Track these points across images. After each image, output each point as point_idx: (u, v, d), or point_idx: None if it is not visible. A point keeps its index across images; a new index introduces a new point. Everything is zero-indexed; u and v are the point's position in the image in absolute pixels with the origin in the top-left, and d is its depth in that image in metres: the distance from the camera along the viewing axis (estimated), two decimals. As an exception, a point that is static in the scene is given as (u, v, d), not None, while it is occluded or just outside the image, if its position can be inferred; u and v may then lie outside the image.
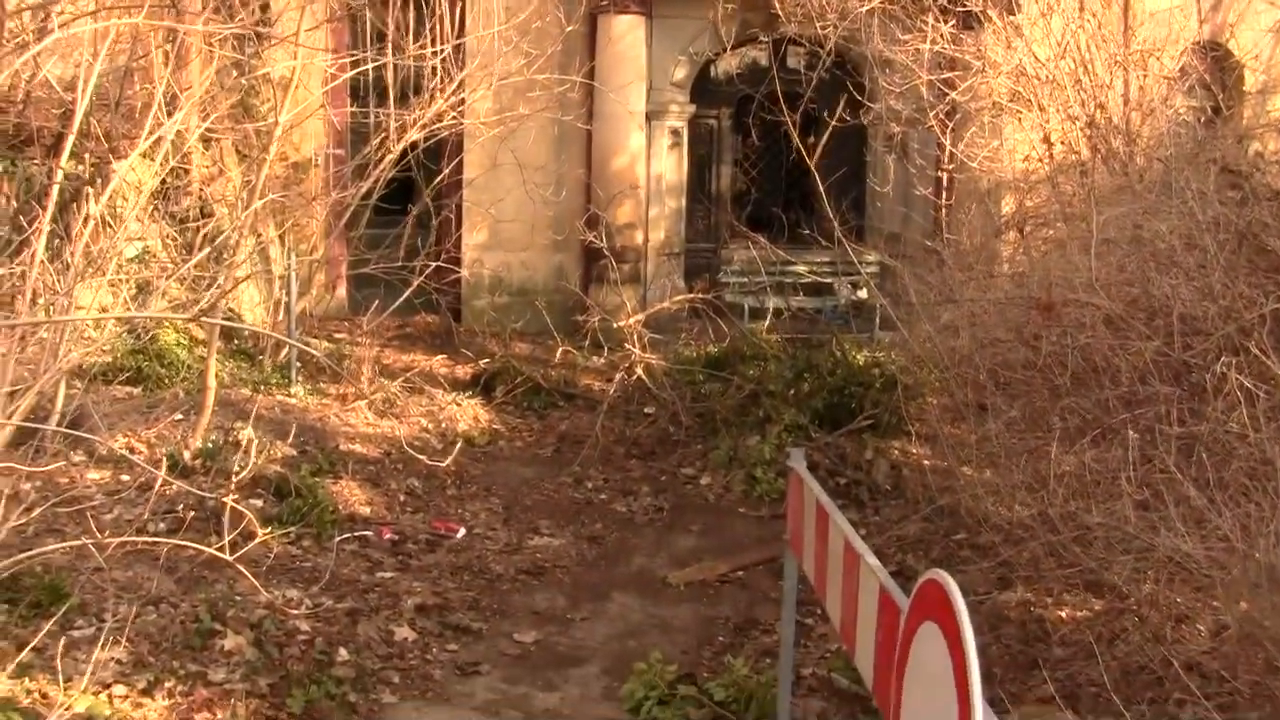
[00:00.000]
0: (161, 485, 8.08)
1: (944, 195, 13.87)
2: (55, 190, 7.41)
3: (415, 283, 13.49)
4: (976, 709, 3.36)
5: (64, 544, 6.58)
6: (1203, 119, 12.62)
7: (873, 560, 4.94)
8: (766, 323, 13.89)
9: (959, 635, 3.48)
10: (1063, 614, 7.53)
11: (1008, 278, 9.76)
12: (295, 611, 7.40)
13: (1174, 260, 7.28)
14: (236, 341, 13.57)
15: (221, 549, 5.41)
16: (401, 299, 13.80)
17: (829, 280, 16.43)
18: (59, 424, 8.05)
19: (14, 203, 10.84)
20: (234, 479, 7.70)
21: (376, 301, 14.06)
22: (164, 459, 9.10)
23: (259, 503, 8.90)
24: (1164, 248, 7.38)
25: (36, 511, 6.74)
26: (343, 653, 7.12)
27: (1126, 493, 6.07)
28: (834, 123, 12.52)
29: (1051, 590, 7.65)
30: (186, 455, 9.41)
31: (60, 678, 5.76)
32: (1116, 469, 6.36)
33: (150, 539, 7.28)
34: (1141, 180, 9.51)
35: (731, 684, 6.80)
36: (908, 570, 8.34)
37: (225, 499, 6.62)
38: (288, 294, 13.40)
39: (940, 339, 9.18)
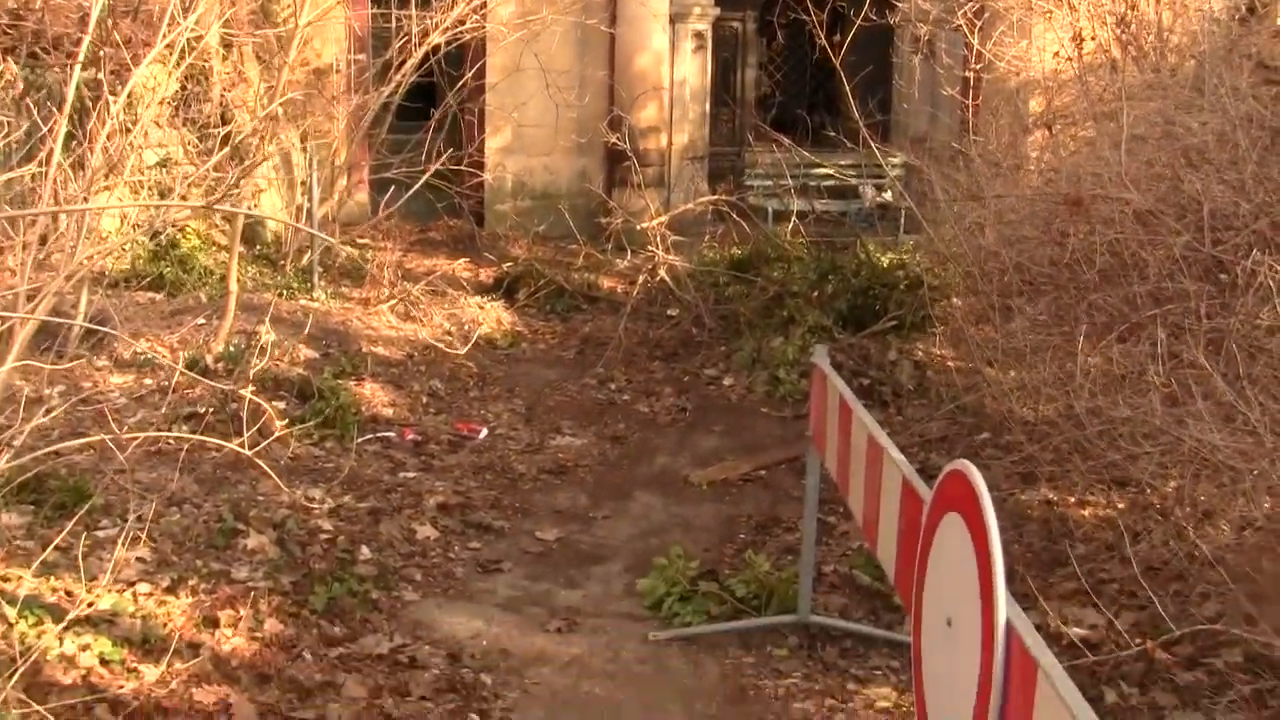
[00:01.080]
0: (182, 384, 8.09)
1: (971, 95, 13.64)
2: (72, 89, 7.32)
3: (429, 171, 13.43)
4: (999, 598, 3.32)
5: (85, 440, 6.58)
6: (1237, 17, 12.37)
7: (896, 453, 4.89)
8: (790, 225, 13.74)
9: (983, 525, 3.44)
10: (1086, 513, 7.50)
11: (1036, 175, 9.61)
12: (318, 510, 7.42)
13: (1205, 156, 7.14)
14: (259, 247, 13.55)
15: (242, 445, 5.39)
16: (412, 190, 13.75)
17: (854, 182, 16.24)
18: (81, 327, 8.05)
19: (34, 109, 10.77)
20: (252, 375, 7.70)
21: (391, 189, 14.02)
22: (183, 361, 9.11)
23: (282, 404, 8.89)
24: (1195, 143, 7.24)
25: (57, 411, 6.76)
26: (365, 551, 7.14)
27: (1154, 385, 6.01)
28: (860, 22, 12.33)
29: (1075, 488, 7.62)
30: (209, 358, 9.41)
31: (84, 576, 5.78)
32: (1144, 364, 6.29)
33: (172, 435, 7.29)
34: (1173, 77, 9.35)
35: (753, 580, 6.81)
36: (931, 468, 8.26)
37: (244, 391, 6.59)
38: (309, 199, 13.35)
39: (966, 237, 9.07)
